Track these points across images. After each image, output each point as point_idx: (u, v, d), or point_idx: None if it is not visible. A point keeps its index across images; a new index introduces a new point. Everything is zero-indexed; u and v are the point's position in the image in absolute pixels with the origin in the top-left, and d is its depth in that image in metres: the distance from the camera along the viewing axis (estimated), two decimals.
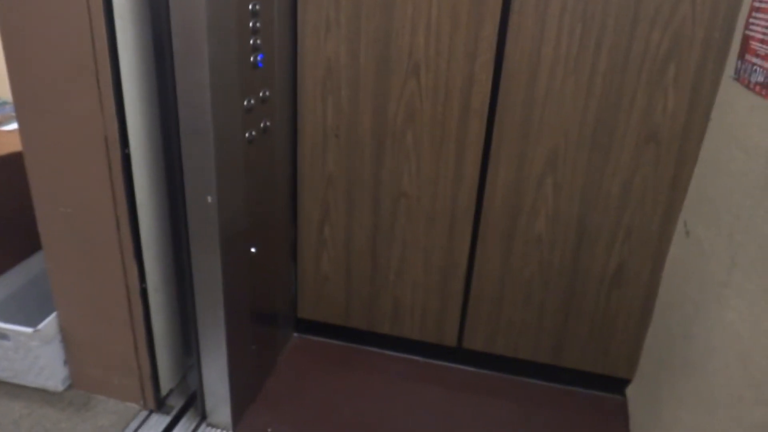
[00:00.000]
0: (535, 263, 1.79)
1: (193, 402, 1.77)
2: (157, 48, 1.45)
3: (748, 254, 1.11)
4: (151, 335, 1.65)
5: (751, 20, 1.26)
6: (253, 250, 1.63)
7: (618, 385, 1.87)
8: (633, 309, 1.77)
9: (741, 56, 1.29)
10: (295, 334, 2.13)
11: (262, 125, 1.56)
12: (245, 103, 1.44)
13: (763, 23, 1.19)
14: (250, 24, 1.41)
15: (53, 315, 1.68)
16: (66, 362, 1.76)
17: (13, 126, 2.42)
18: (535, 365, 1.94)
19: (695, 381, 1.28)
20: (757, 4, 1.24)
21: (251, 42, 1.43)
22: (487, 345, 1.95)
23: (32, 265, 1.99)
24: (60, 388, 1.77)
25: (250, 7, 1.39)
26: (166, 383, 1.76)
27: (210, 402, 1.66)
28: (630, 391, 1.81)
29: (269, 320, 1.88)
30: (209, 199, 1.39)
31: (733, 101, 1.32)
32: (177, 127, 1.34)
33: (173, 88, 1.30)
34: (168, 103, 1.34)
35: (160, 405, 1.75)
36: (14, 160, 2.02)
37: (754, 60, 1.20)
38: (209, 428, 1.68)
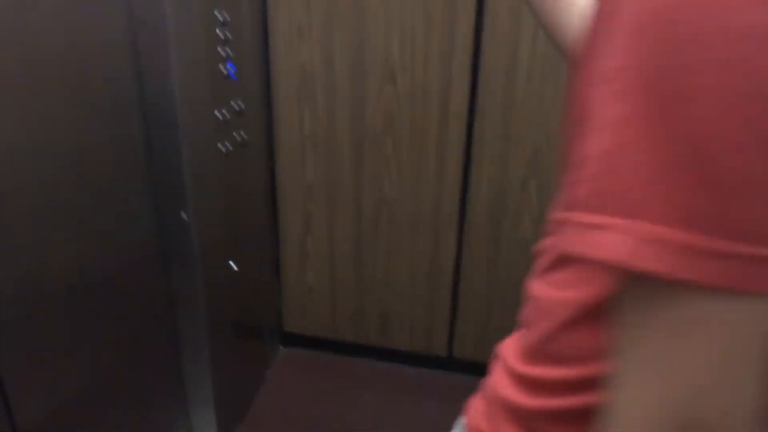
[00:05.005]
0: (523, 266, 1.76)
1: None
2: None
3: None
4: None
5: None
6: (233, 265, 1.58)
7: None
8: None
9: None
10: (282, 348, 2.08)
11: (237, 137, 1.51)
12: (218, 115, 1.40)
13: None
14: (218, 32, 1.37)
15: None
16: None
17: None
18: None
19: None
20: None
21: (221, 52, 1.39)
22: (477, 352, 1.91)
23: None
24: None
25: (218, 15, 1.35)
26: None
27: (196, 424, 1.61)
28: None
29: (254, 335, 1.83)
30: (184, 216, 1.34)
31: None
32: (148, 141, 1.29)
33: (140, 101, 1.25)
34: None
35: None
36: None
37: None
38: None
